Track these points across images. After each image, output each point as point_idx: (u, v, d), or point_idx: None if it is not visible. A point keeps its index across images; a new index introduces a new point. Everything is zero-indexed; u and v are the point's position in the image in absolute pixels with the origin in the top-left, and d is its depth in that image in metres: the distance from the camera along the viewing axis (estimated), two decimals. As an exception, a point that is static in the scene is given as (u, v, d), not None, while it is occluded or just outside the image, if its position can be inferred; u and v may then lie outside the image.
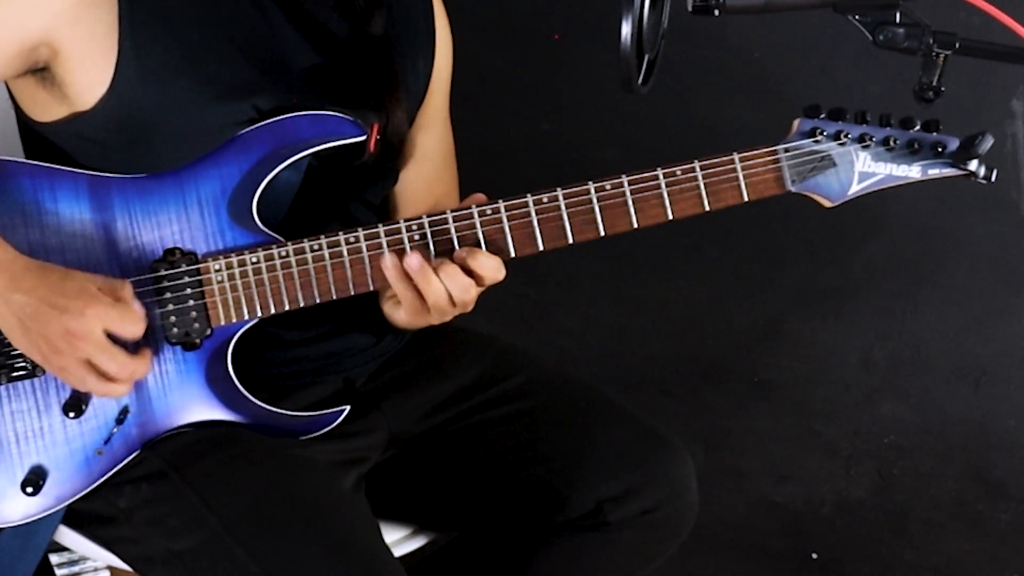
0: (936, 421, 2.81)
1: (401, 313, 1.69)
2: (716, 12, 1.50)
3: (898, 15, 1.53)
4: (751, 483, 2.86)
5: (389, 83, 1.76)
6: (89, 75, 1.63)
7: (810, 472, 2.85)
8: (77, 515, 1.67)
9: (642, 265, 2.80)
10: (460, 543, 1.91)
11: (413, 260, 1.61)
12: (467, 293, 1.63)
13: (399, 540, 1.86)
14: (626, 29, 1.45)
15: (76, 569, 2.25)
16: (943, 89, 1.56)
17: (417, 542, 1.88)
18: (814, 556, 2.81)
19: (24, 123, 1.73)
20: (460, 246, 1.63)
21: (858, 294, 2.81)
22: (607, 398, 1.87)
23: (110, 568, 1.81)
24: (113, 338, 1.55)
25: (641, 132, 2.73)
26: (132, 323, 1.56)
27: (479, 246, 1.63)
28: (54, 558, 2.09)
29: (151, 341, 1.61)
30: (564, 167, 2.71)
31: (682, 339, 2.87)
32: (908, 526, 2.82)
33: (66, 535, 1.71)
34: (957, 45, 1.54)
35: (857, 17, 1.54)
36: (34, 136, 1.71)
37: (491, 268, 1.63)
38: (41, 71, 1.64)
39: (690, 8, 1.51)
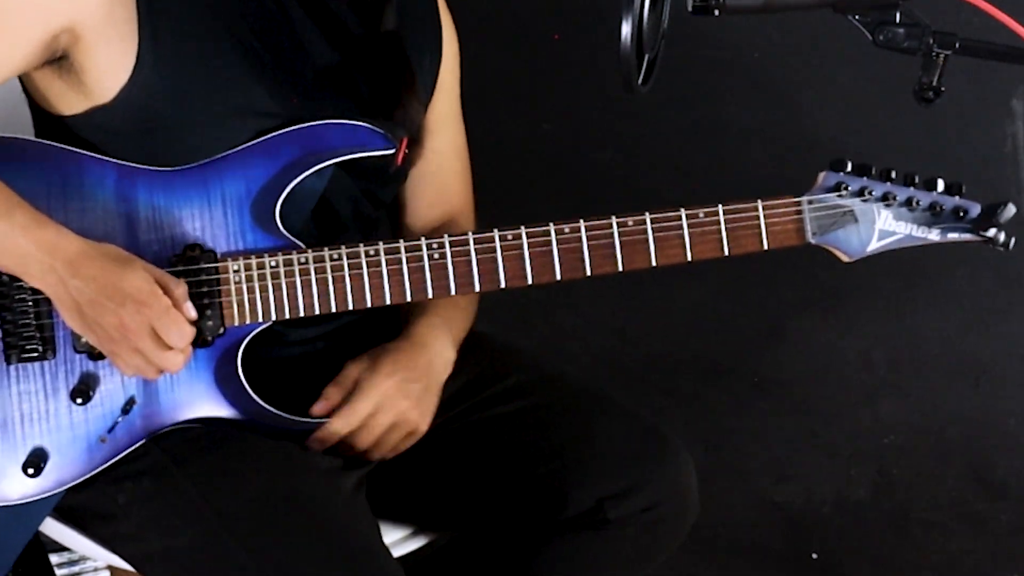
0: (936, 421, 2.81)
1: None
2: (716, 12, 1.50)
3: (898, 15, 1.54)
4: (751, 483, 2.86)
5: (405, 81, 1.75)
6: (110, 60, 1.61)
7: (810, 472, 2.85)
8: (77, 512, 1.67)
9: (642, 265, 2.80)
10: (460, 543, 1.91)
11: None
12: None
13: (399, 540, 1.86)
14: (626, 29, 1.46)
15: (76, 569, 2.24)
16: (943, 89, 1.56)
17: (417, 542, 1.88)
18: (814, 556, 2.80)
19: (39, 117, 1.71)
20: (479, 268, 1.64)
21: (858, 294, 2.80)
22: (607, 397, 1.87)
23: (110, 568, 1.81)
24: None
25: (641, 132, 2.73)
26: (179, 336, 1.56)
27: (496, 270, 1.64)
28: (54, 558, 2.09)
29: None
30: (564, 167, 2.71)
31: (682, 339, 2.86)
32: (908, 526, 2.81)
33: (66, 534, 1.71)
34: (957, 45, 1.54)
35: (857, 17, 1.54)
36: (51, 130, 1.69)
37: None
38: (58, 60, 1.62)
39: (690, 8, 1.51)
